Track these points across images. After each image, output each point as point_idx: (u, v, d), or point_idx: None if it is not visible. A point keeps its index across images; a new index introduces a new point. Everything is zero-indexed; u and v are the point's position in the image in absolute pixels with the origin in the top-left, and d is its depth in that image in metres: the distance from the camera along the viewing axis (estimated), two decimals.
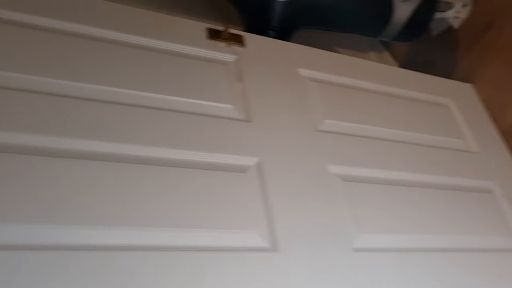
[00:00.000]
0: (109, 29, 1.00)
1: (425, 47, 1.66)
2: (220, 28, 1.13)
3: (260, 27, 1.37)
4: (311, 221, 0.89)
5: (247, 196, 0.88)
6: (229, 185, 0.88)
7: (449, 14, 1.55)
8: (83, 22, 0.98)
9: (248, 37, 1.16)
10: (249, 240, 0.83)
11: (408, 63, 1.70)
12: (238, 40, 1.14)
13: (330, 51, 1.31)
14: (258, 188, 0.90)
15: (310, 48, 1.26)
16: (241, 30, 1.18)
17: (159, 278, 0.72)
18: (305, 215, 0.90)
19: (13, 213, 0.70)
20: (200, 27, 1.12)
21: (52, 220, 0.71)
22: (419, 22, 1.47)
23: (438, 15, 1.55)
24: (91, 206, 0.75)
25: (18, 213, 0.70)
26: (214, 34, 1.12)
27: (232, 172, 0.90)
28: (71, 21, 0.97)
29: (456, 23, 1.54)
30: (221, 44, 1.11)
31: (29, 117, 0.80)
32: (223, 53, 1.10)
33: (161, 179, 0.83)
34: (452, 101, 1.37)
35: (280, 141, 0.99)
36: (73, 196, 0.75)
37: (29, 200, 0.71)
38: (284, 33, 1.40)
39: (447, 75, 1.51)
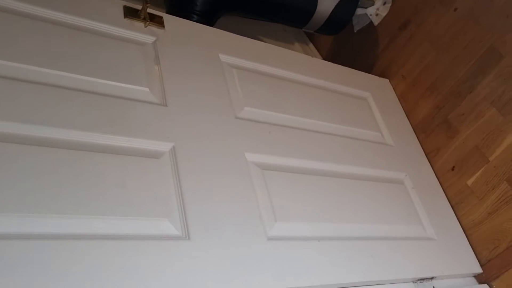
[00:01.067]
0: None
1: (348, 42, 1.70)
2: (138, 7, 1.07)
3: (184, 10, 1.32)
4: (226, 210, 0.87)
5: (160, 183, 0.84)
6: (142, 171, 0.83)
7: (370, 10, 1.59)
8: None
9: (168, 18, 1.12)
10: (161, 228, 0.79)
11: (331, 56, 1.73)
12: (158, 21, 1.08)
13: (256, 40, 1.29)
14: (172, 175, 0.86)
15: (233, 34, 1.23)
16: (163, 13, 1.12)
17: (70, 266, 0.67)
18: (220, 203, 0.87)
19: None
20: (117, 4, 1.06)
21: None
22: (341, 17, 1.50)
23: (360, 11, 1.59)
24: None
25: None
26: (131, 13, 1.06)
27: (146, 158, 0.86)
28: None
29: (376, 20, 1.58)
30: (139, 24, 1.05)
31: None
32: (140, 33, 1.04)
33: (72, 163, 0.77)
34: (370, 95, 1.41)
35: (196, 127, 0.96)
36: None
37: None
38: (207, 18, 1.37)
39: (367, 69, 1.55)
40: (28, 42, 0.87)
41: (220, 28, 1.25)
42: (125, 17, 1.05)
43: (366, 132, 1.29)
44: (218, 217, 0.85)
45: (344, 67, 1.44)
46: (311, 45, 1.79)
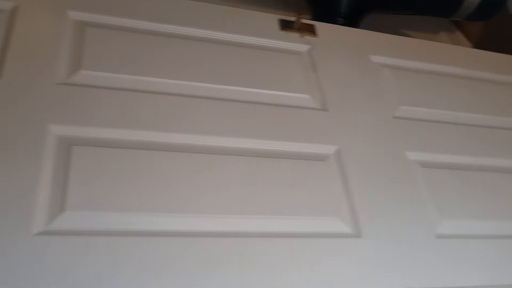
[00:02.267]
0: (185, 25, 1.04)
1: (500, 26, 1.59)
2: (292, 18, 1.15)
3: (329, 15, 1.37)
4: (393, 207, 0.90)
5: (328, 183, 0.90)
6: (310, 173, 0.90)
7: None
8: (159, 20, 1.03)
9: (320, 26, 1.17)
10: (333, 226, 0.85)
11: (481, 43, 1.64)
12: (310, 30, 1.15)
13: (399, 35, 1.29)
14: (339, 176, 0.92)
15: (380, 33, 1.25)
16: (309, 19, 1.18)
17: (244, 263, 0.76)
18: (387, 202, 0.91)
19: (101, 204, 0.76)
20: (272, 18, 1.14)
21: (135, 208, 0.76)
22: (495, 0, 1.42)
23: None
24: (182, 195, 0.80)
25: (113, 203, 0.76)
26: (286, 25, 1.14)
27: (312, 161, 0.92)
28: (146, 19, 1.02)
29: None
30: (294, 35, 1.13)
31: (120, 113, 0.86)
32: (296, 43, 1.12)
33: (242, 169, 0.86)
34: None
35: (357, 129, 1.00)
36: (150, 186, 0.79)
37: (123, 191, 0.77)
38: (353, 20, 1.40)
39: None
40: (204, 63, 0.99)
41: (363, 26, 1.27)
42: (281, 30, 1.13)
43: None
44: (386, 215, 0.89)
45: (498, 54, 1.36)
46: (458, 33, 1.72)
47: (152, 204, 0.77)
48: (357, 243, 0.84)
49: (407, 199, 0.92)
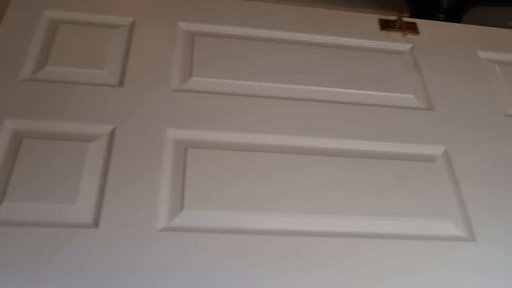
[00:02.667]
0: (287, 30, 1.07)
1: None
2: (393, 17, 1.13)
3: (429, 12, 1.33)
4: (508, 209, 0.86)
5: (436, 184, 0.88)
6: (417, 174, 0.89)
7: None
8: (260, 26, 1.06)
9: (422, 23, 1.14)
10: (444, 229, 0.83)
11: None
12: (412, 28, 1.12)
13: (505, 28, 1.22)
14: (448, 177, 0.89)
15: (488, 28, 1.19)
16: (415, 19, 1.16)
17: (351, 264, 0.76)
18: (503, 204, 0.86)
19: (216, 202, 0.80)
20: (372, 19, 1.14)
21: (247, 207, 0.80)
22: None
23: None
24: (276, 195, 0.82)
25: (219, 202, 0.80)
26: (386, 25, 1.12)
27: (419, 162, 0.90)
28: (248, 26, 1.06)
29: None
30: (395, 34, 1.11)
31: (229, 116, 0.90)
32: (397, 43, 1.10)
33: (350, 170, 0.87)
34: None
35: (466, 128, 0.97)
36: (263, 186, 0.82)
37: (235, 190, 0.81)
38: (454, 15, 1.34)
39: None
40: (307, 66, 1.01)
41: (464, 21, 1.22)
42: (381, 30, 1.11)
43: None
44: (503, 218, 0.85)
45: None
46: None
47: (263, 204, 0.81)
48: (471, 247, 0.81)
49: None
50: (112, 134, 0.85)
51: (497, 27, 1.20)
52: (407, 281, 0.76)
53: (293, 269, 0.75)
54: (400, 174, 0.88)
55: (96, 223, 0.75)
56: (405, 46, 1.10)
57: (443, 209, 0.85)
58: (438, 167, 0.91)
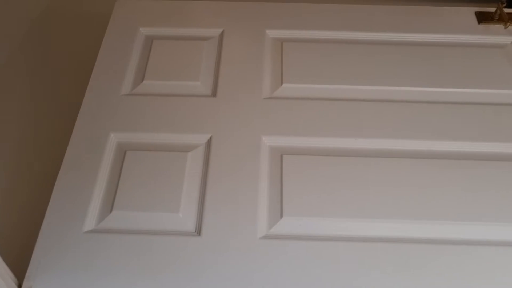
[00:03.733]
0: (379, 31, 1.03)
1: None
2: (491, 9, 1.06)
3: None
4: None
5: None
6: None
7: None
8: (358, 29, 1.04)
9: None
10: None
11: None
12: None
13: None
14: None
15: None
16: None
17: (461, 271, 0.72)
18: None
19: (314, 209, 0.78)
20: (467, 12, 1.07)
21: (343, 214, 0.77)
22: None
23: None
24: (377, 201, 0.78)
25: (318, 209, 0.78)
26: (484, 17, 1.05)
27: None
28: (345, 29, 1.04)
29: None
30: (495, 26, 1.04)
31: (321, 122, 0.88)
32: (498, 36, 1.03)
33: (458, 173, 0.81)
34: None
35: None
36: (362, 192, 0.79)
37: (333, 197, 0.79)
38: None
39: None
40: (404, 67, 0.97)
41: None
42: (479, 23, 1.05)
43: None
44: None
45: None
46: None
47: (362, 210, 0.78)
48: None
49: None
50: (209, 143, 0.86)
51: None
52: None
53: (396, 274, 0.71)
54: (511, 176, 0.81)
55: (198, 231, 0.76)
56: (507, 39, 1.02)
57: None
58: None
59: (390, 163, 0.83)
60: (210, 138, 0.87)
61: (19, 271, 0.72)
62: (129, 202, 0.79)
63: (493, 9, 1.06)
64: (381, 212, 0.78)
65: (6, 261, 0.67)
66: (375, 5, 1.09)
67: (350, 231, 0.77)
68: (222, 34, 1.04)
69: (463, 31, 1.03)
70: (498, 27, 1.04)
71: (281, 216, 0.77)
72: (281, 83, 0.95)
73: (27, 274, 0.72)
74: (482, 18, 1.05)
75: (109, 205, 0.78)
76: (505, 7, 1.08)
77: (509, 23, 1.03)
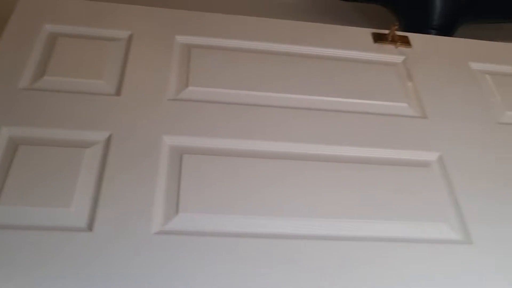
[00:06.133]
0: (285, 43, 1.09)
1: None
2: (385, 31, 1.16)
3: (420, 27, 1.36)
4: (505, 212, 0.86)
5: (432, 189, 0.88)
6: (413, 179, 0.89)
7: None
8: (265, 40, 1.09)
9: (413, 36, 1.17)
10: (440, 232, 0.83)
11: None
12: (404, 41, 1.15)
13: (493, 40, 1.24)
14: (443, 182, 0.90)
15: (478, 41, 1.21)
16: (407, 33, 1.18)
17: (346, 267, 0.76)
18: (497, 207, 0.86)
19: (211, 207, 0.80)
20: (365, 32, 1.16)
21: (238, 211, 0.80)
22: None
23: None
24: (271, 200, 0.82)
25: (215, 207, 0.80)
26: (379, 38, 1.15)
27: (414, 167, 0.91)
28: (253, 40, 1.08)
29: None
30: (388, 46, 1.13)
31: (223, 124, 0.91)
32: (390, 55, 1.12)
33: (348, 175, 0.87)
34: None
35: (460, 135, 0.98)
36: (257, 191, 0.82)
37: (225, 196, 0.81)
38: (445, 31, 1.38)
39: None
40: (305, 77, 1.03)
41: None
42: (374, 42, 1.14)
43: None
44: (498, 221, 0.84)
45: None
46: None
47: (256, 208, 0.80)
48: (468, 249, 0.80)
49: None
50: (108, 140, 0.85)
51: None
52: (405, 283, 0.75)
53: (279, 270, 0.74)
54: (397, 179, 0.88)
55: (90, 227, 0.74)
56: (398, 58, 1.12)
57: (439, 212, 0.85)
58: (434, 172, 0.91)
59: (287, 165, 0.87)
60: (110, 135, 0.86)
61: None
62: (19, 196, 0.75)
63: (387, 31, 1.15)
64: (277, 210, 0.81)
65: None
66: (282, 20, 1.15)
67: (246, 228, 0.79)
68: (130, 37, 1.04)
69: (360, 49, 1.12)
70: (391, 47, 1.13)
71: (177, 212, 0.78)
72: (187, 86, 0.96)
73: None
74: (378, 38, 1.14)
75: None
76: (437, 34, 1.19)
77: (399, 43, 1.13)
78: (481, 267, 0.79)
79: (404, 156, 0.93)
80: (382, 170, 0.89)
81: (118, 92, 0.93)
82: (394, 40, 1.13)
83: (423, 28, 1.37)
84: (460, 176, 0.90)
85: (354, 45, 1.12)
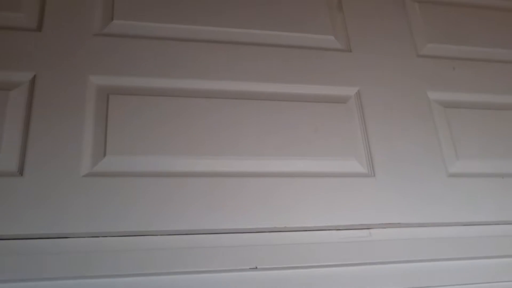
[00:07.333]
0: None
1: None
2: None
3: None
4: (409, 149, 0.95)
5: (346, 126, 0.95)
6: (331, 116, 0.95)
7: None
8: None
9: None
10: (349, 167, 0.92)
11: None
12: None
13: None
14: (357, 118, 0.97)
15: None
16: None
17: (272, 198, 0.85)
18: (403, 143, 0.95)
19: (138, 148, 0.85)
20: None
21: (166, 151, 0.85)
22: None
23: None
24: (198, 139, 0.87)
25: (141, 148, 0.85)
26: None
27: (333, 103, 0.97)
28: None
29: None
30: None
31: (149, 62, 0.92)
32: None
33: (272, 112, 0.92)
34: None
35: (379, 70, 1.03)
36: (184, 131, 0.87)
37: (151, 136, 0.86)
38: None
39: None
40: (231, 7, 1.02)
41: None
42: None
43: None
44: (401, 156, 0.94)
45: None
46: None
47: (183, 147, 0.86)
48: (370, 181, 0.91)
49: (424, 140, 0.97)
50: (33, 81, 0.86)
51: None
52: (316, 211, 0.86)
53: (205, 204, 0.82)
54: (316, 117, 0.94)
55: (20, 171, 0.79)
56: None
57: (350, 148, 0.93)
58: (350, 108, 0.98)
59: (211, 103, 0.91)
60: (34, 76, 0.86)
61: None
62: None
63: None
64: (202, 149, 0.87)
65: None
66: None
67: (172, 168, 0.85)
68: None
69: None
70: None
71: (104, 154, 0.83)
72: (112, 19, 0.95)
73: None
74: None
75: None
76: None
77: None
78: (379, 197, 0.89)
79: (324, 91, 0.98)
80: (303, 107, 0.94)
81: (39, 27, 0.91)
82: None
83: None
84: (374, 111, 0.97)
85: None
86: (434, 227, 0.90)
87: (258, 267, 0.80)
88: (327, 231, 0.86)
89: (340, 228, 0.87)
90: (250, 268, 0.80)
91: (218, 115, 0.90)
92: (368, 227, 0.88)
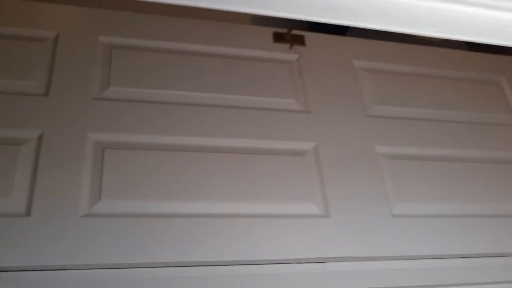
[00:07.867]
0: (196, 43, 1.26)
1: None
2: (284, 31, 1.35)
3: (322, 24, 1.55)
4: (358, 192, 1.12)
5: (305, 175, 1.13)
6: (290, 166, 1.13)
7: None
8: (179, 40, 1.25)
9: (309, 36, 1.37)
10: (307, 209, 1.08)
11: None
12: (300, 41, 1.35)
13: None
14: (315, 168, 1.14)
15: (363, 40, 1.43)
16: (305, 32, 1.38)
17: (241, 238, 1.00)
18: (354, 188, 1.13)
19: (128, 193, 1.01)
20: (267, 32, 1.35)
21: (153, 196, 1.01)
22: None
23: None
24: (180, 186, 1.03)
25: (132, 193, 1.01)
26: (279, 37, 1.34)
27: (293, 156, 1.15)
28: (169, 40, 1.24)
29: None
30: (286, 46, 1.33)
31: (141, 121, 1.10)
32: (287, 53, 1.32)
33: (236, 164, 1.09)
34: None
35: (334, 127, 1.22)
36: (168, 179, 1.04)
37: (141, 183, 1.02)
38: (341, 28, 1.58)
39: None
40: (205, 75, 1.21)
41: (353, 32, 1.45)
42: (274, 42, 1.33)
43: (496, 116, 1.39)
44: (353, 199, 1.11)
45: (469, 52, 1.53)
46: None
47: (167, 193, 1.02)
48: (325, 222, 1.07)
49: (371, 186, 1.14)
50: (40, 138, 1.02)
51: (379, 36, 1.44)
52: (275, 247, 1.01)
53: (189, 242, 0.97)
54: (277, 167, 1.12)
55: (28, 213, 0.93)
56: (293, 57, 1.32)
57: (308, 194, 1.10)
58: (309, 160, 1.15)
59: (195, 156, 1.08)
60: (42, 133, 1.03)
61: None
62: None
63: (285, 31, 1.35)
64: (183, 194, 1.03)
65: None
66: (194, 19, 1.30)
67: (158, 210, 1.00)
68: (57, 37, 1.17)
69: (260, 48, 1.31)
70: (288, 46, 1.33)
71: (100, 198, 0.98)
72: (108, 86, 1.13)
73: None
74: (277, 38, 1.34)
75: None
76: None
77: (294, 44, 1.33)
78: (333, 234, 1.05)
79: (285, 146, 1.16)
80: (266, 159, 1.12)
81: (47, 92, 1.09)
82: (290, 40, 1.33)
83: (324, 25, 1.56)
84: (330, 162, 1.15)
85: (254, 44, 1.31)
86: (381, 261, 1.06)
87: None
88: (288, 264, 1.01)
89: (300, 262, 1.02)
90: None
91: (198, 167, 1.07)
92: (324, 260, 1.03)
